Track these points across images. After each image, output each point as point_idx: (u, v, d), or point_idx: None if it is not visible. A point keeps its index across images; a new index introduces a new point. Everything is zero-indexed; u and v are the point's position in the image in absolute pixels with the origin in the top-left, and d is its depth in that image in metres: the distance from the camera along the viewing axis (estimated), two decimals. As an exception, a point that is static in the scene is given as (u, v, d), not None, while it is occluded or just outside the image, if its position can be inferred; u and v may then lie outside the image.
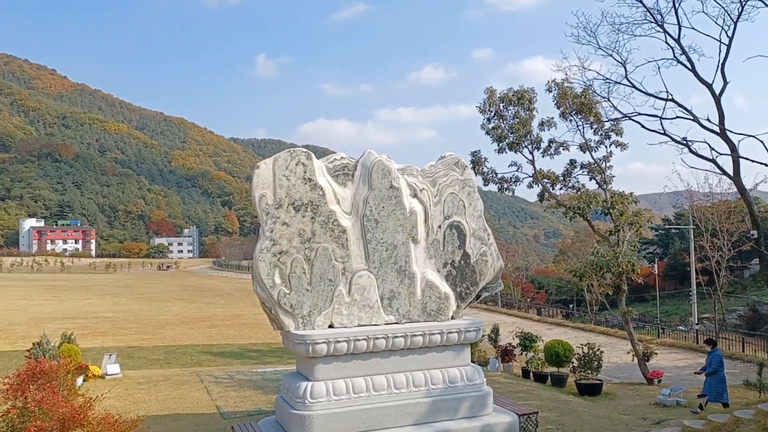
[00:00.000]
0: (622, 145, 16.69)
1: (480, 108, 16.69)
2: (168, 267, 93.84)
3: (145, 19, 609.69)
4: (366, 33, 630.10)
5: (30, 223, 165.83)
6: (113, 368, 13.67)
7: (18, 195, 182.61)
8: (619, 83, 12.88)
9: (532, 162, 16.68)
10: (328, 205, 8.19)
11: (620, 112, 13.68)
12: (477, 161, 16.79)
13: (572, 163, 17.24)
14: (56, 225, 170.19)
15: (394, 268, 8.37)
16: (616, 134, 16.49)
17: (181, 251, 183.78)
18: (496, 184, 17.23)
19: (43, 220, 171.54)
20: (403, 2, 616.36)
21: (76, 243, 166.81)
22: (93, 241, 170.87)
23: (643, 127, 12.55)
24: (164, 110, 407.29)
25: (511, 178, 17.11)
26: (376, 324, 8.13)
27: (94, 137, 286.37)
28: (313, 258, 8.03)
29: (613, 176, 17.03)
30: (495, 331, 19.18)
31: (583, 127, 16.45)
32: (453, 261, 8.74)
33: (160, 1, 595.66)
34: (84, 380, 12.54)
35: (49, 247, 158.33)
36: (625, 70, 12.63)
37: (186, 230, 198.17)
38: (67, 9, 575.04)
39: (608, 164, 16.87)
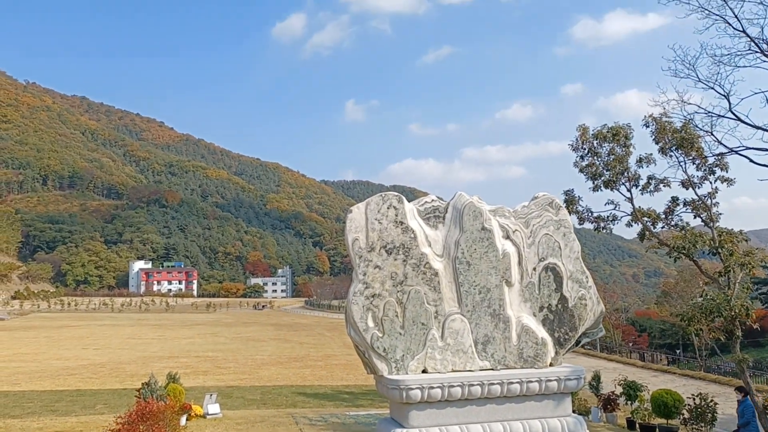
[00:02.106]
0: (729, 181, 15.64)
1: (572, 146, 16.29)
2: (263, 306, 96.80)
3: (243, 71, 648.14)
4: (452, 74, 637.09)
5: (139, 265, 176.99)
6: (214, 408, 14.10)
7: (129, 239, 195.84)
8: (723, 116, 12.21)
9: (631, 200, 15.97)
10: (420, 248, 8.16)
11: (725, 146, 12.93)
12: (571, 200, 16.30)
13: (674, 200, 16.34)
14: (162, 267, 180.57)
15: (487, 312, 8.18)
16: (721, 169, 15.48)
17: (275, 291, 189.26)
18: (592, 223, 16.60)
19: (150, 262, 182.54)
20: (488, 43, 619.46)
21: (179, 283, 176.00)
22: (195, 281, 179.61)
23: (751, 161, 11.78)
24: (260, 156, 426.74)
25: (608, 216, 16.45)
26: (471, 370, 7.93)
27: (197, 183, 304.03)
28: (406, 301, 7.99)
29: (720, 213, 15.94)
30: (596, 378, 18.17)
31: (685, 163, 15.61)
32: (550, 305, 8.44)
33: (258, 55, 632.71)
34: (187, 419, 13.01)
35: (155, 287, 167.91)
36: (729, 103, 11.97)
37: (280, 270, 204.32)
38: (174, 65, 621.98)
39: (714, 201, 15.85)
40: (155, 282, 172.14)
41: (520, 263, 8.41)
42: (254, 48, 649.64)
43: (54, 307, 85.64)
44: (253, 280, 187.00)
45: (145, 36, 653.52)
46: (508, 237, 8.46)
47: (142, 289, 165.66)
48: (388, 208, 8.26)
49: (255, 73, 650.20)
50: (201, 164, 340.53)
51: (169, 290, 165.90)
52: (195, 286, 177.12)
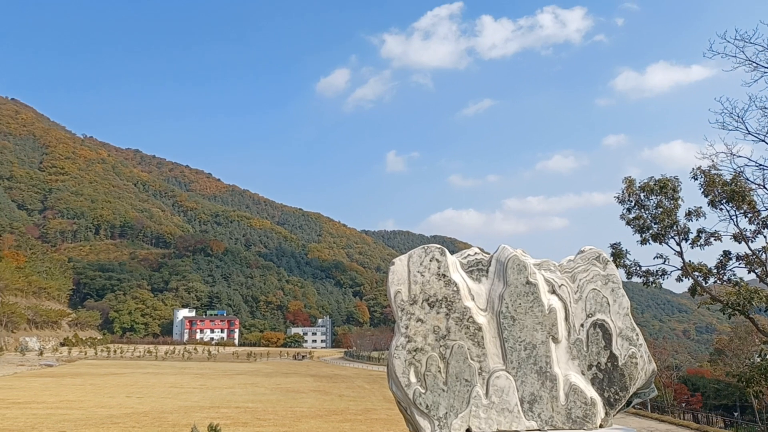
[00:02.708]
0: (785, 234, 15.15)
1: (619, 198, 16.08)
2: (303, 357, 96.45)
3: (288, 124, 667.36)
4: (493, 126, 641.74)
5: (183, 313, 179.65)
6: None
7: (174, 287, 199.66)
8: (776, 169, 11.90)
9: (680, 254, 15.58)
10: (463, 302, 8.07)
11: (779, 199, 12.53)
12: (618, 254, 15.99)
13: (726, 254, 15.86)
14: (205, 315, 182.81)
15: (533, 369, 7.96)
16: (776, 222, 15.02)
17: (315, 341, 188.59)
18: (640, 277, 16.20)
19: (194, 310, 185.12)
20: (529, 96, 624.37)
21: (222, 332, 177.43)
22: (237, 330, 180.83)
23: (808, 213, 11.36)
24: (303, 206, 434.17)
25: (657, 271, 16.04)
26: (517, 430, 7.68)
27: (242, 233, 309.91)
28: (449, 356, 7.86)
29: (777, 268, 15.38)
30: (648, 439, 17.34)
31: (737, 216, 15.23)
32: (599, 363, 8.17)
33: (302, 109, 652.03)
34: (226, 471, 12.91)
35: (198, 335, 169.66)
36: (782, 154, 11.68)
37: (320, 320, 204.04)
38: (223, 121, 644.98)
39: (769, 255, 15.30)
40: (198, 330, 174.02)
41: (566, 319, 8.21)
42: (299, 103, 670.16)
43: (100, 354, 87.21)
44: (294, 330, 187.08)
45: (196, 96, 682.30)
46: (554, 292, 8.31)
47: (186, 337, 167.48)
48: (430, 260, 8.23)
49: (299, 126, 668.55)
50: (245, 214, 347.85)
51: (212, 338, 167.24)
52: (237, 335, 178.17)
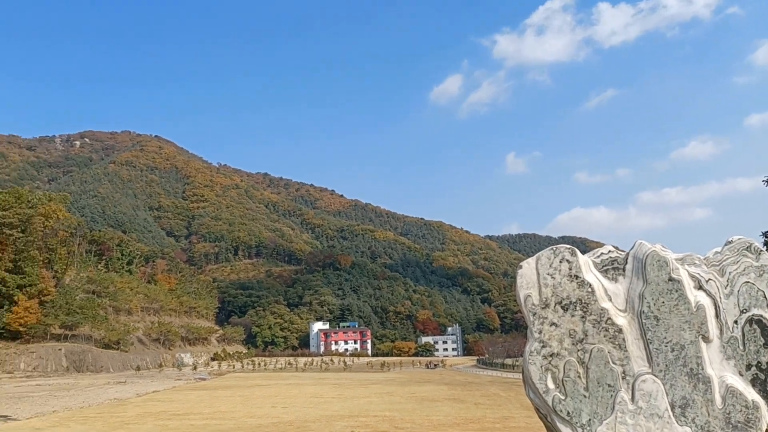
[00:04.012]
0: None
1: (768, 181, 14.62)
2: (435, 365, 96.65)
3: (404, 136, 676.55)
4: (618, 117, 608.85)
5: (318, 325, 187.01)
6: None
7: (308, 301, 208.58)
8: None
9: None
10: (599, 303, 7.71)
11: None
12: (772, 241, 14.49)
13: None
14: (339, 327, 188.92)
15: (683, 372, 7.42)
16: None
17: (446, 349, 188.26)
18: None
19: (328, 323, 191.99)
20: (656, 81, 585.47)
21: (355, 343, 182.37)
22: (369, 340, 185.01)
23: None
24: (424, 215, 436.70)
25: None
26: (669, 436, 7.18)
27: (367, 245, 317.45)
28: (588, 361, 7.53)
29: None
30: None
31: None
32: (758, 363, 7.45)
33: (417, 120, 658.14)
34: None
35: (333, 347, 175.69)
36: None
37: (449, 328, 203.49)
38: (342, 139, 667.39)
39: None
40: (333, 342, 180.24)
41: (717, 316, 7.58)
42: (414, 114, 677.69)
43: (246, 367, 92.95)
44: (424, 339, 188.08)
45: (314, 117, 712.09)
46: (700, 287, 7.71)
47: (322, 348, 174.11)
48: (560, 261, 7.96)
49: (415, 137, 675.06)
50: (369, 227, 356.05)
51: (346, 349, 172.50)
52: (369, 345, 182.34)
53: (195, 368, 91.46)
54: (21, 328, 76.95)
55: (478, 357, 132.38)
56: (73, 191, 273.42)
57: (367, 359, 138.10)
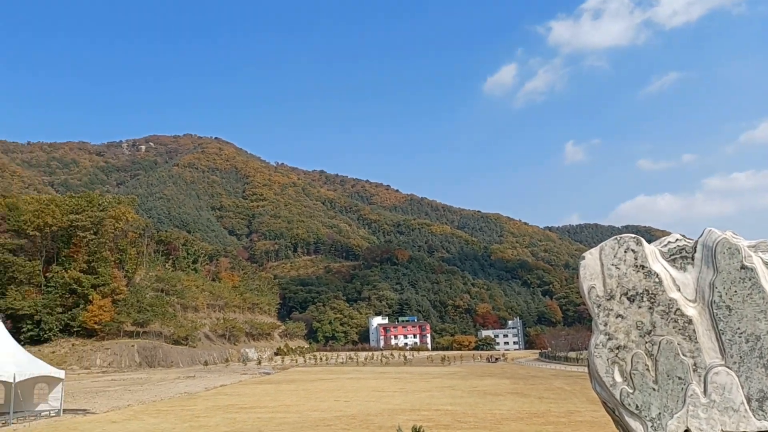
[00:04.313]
0: None
1: None
2: (496, 359, 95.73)
3: (458, 129, 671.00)
4: (682, 101, 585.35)
5: (377, 320, 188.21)
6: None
7: (367, 296, 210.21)
8: None
9: None
10: (667, 293, 7.47)
11: None
12: None
13: None
14: (398, 321, 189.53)
15: (759, 364, 7.11)
16: None
17: (507, 342, 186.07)
18: None
19: (387, 318, 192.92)
20: (722, 62, 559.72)
21: (414, 337, 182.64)
22: (428, 335, 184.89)
23: None
24: (481, 208, 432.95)
25: None
26: (746, 431, 6.90)
27: (423, 240, 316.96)
28: (656, 353, 7.31)
29: None
30: None
31: None
32: (842, 354, 7.05)
33: (471, 112, 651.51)
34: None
35: (393, 341, 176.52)
36: None
37: (510, 321, 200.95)
38: (395, 134, 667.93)
39: None
40: (392, 336, 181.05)
41: (795, 305, 7.20)
42: (468, 106, 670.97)
43: (308, 362, 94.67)
44: (484, 333, 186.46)
45: (368, 114, 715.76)
46: (776, 275, 7.34)
47: (381, 343, 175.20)
48: (625, 251, 7.74)
49: (470, 129, 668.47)
50: (425, 221, 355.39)
51: (405, 344, 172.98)
52: (429, 340, 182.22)
53: (259, 363, 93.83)
54: (96, 326, 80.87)
55: (540, 350, 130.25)
56: (140, 194, 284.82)
57: (427, 353, 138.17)
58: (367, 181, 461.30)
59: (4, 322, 30.74)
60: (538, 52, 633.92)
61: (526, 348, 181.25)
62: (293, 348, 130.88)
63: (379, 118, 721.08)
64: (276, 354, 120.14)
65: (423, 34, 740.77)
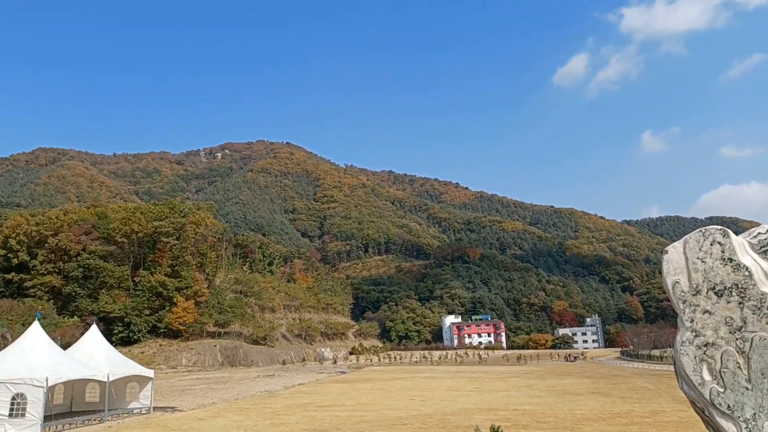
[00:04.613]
0: None
1: None
2: (575, 358, 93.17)
3: (528, 124, 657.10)
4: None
5: (450, 319, 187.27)
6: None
7: (439, 295, 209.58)
8: None
9: None
10: (759, 287, 7.08)
11: None
12: None
13: None
14: (471, 320, 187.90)
15: None
16: None
17: (586, 341, 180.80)
18: None
19: (459, 316, 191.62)
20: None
21: (488, 336, 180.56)
22: (503, 333, 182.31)
23: None
24: (554, 203, 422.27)
25: None
26: None
27: (495, 237, 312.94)
28: (749, 350, 6.96)
29: None
30: None
31: None
32: None
33: (541, 105, 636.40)
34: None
35: (466, 340, 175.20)
36: None
37: (588, 319, 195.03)
38: (461, 130, 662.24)
39: None
40: (466, 335, 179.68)
41: None
42: (537, 99, 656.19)
43: (383, 361, 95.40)
44: (561, 331, 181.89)
45: (434, 111, 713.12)
46: None
47: (455, 342, 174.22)
48: (711, 244, 7.39)
49: (540, 123, 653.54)
50: (496, 218, 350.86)
51: (480, 343, 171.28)
52: (503, 338, 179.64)
53: (335, 362, 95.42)
54: (181, 327, 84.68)
55: (621, 348, 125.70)
56: (217, 199, 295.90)
57: (502, 352, 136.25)
58: (435, 179, 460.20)
59: (98, 325, 32.69)
60: (610, 40, 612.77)
61: (605, 346, 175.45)
62: (367, 347, 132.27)
63: (447, 116, 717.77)
64: (351, 353, 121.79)
65: (489, 26, 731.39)
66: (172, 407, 31.38)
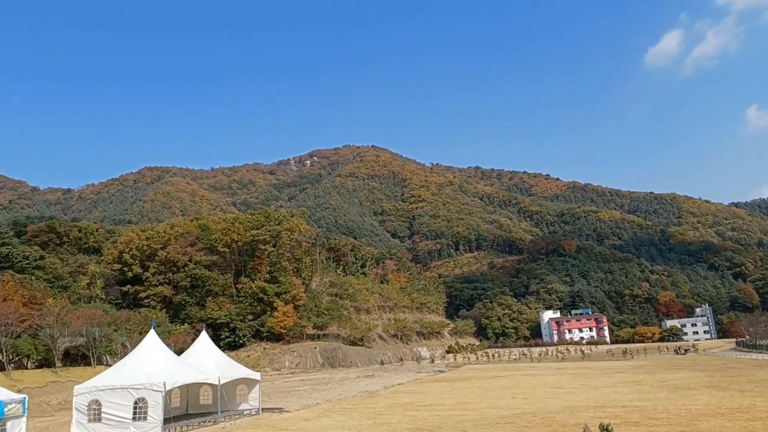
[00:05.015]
0: None
1: None
2: (686, 351, 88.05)
3: (619, 108, 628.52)
4: None
5: (548, 314, 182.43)
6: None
7: (535, 290, 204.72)
8: None
9: None
10: None
11: None
12: None
13: None
14: (570, 315, 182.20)
15: None
16: None
17: (696, 332, 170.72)
18: None
19: (558, 311, 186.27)
20: None
21: (590, 330, 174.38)
22: (605, 327, 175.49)
23: None
24: (653, 189, 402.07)
25: None
26: None
27: (591, 228, 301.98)
28: None
29: None
30: None
31: None
32: None
33: (633, 87, 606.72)
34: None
35: (567, 335, 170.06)
36: None
37: (698, 309, 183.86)
38: (543, 120, 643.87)
39: None
40: (566, 330, 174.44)
41: None
42: (629, 82, 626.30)
43: (481, 359, 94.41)
44: (669, 323, 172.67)
45: (520, 102, 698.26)
46: None
47: (555, 338, 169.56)
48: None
49: (633, 106, 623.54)
50: (591, 208, 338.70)
51: (581, 338, 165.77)
52: (606, 332, 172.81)
53: (432, 361, 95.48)
54: (282, 330, 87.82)
55: (736, 339, 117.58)
56: (309, 206, 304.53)
57: (606, 347, 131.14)
58: (524, 172, 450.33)
59: (206, 331, 34.50)
60: (705, 13, 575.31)
61: (718, 337, 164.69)
62: (464, 346, 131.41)
63: (532, 107, 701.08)
64: (447, 352, 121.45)
65: (573, 14, 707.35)
66: (279, 408, 32.60)
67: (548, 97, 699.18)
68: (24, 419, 18.13)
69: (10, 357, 46.82)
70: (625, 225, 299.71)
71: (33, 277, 70.95)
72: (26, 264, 76.65)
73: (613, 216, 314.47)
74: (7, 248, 77.41)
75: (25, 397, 18.39)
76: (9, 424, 17.49)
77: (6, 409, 17.22)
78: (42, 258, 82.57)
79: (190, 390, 31.27)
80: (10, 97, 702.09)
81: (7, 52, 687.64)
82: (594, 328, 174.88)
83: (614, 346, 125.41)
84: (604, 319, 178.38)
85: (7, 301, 52.11)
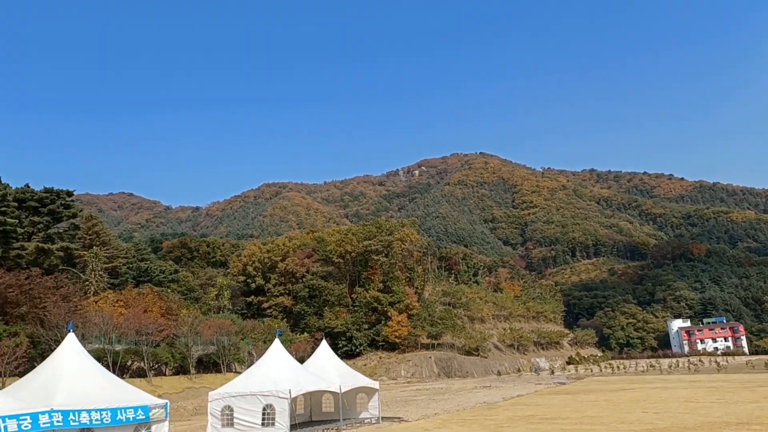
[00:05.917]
0: None
1: None
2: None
3: (745, 90, 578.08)
4: None
5: (677, 323, 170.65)
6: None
7: (661, 298, 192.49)
8: None
9: None
10: None
11: None
12: None
13: None
14: (702, 323, 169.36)
15: None
16: None
17: None
18: None
19: (688, 320, 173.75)
20: None
21: (725, 341, 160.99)
22: (743, 337, 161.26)
23: None
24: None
25: None
26: None
27: (722, 230, 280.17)
28: None
29: None
30: None
31: None
32: None
33: (761, 74, 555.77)
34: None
35: (699, 346, 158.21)
36: None
37: None
38: (668, 117, 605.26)
39: None
40: (698, 340, 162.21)
41: None
42: (756, 67, 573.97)
43: (605, 371, 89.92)
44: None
45: (638, 104, 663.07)
46: None
47: (685, 348, 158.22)
48: None
49: (765, 94, 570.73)
50: (722, 209, 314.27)
51: (715, 348, 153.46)
52: (744, 343, 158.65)
53: (552, 372, 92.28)
54: (396, 339, 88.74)
55: None
56: (418, 215, 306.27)
57: (744, 358, 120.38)
58: (644, 173, 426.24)
59: (325, 340, 35.58)
60: None
61: None
62: (585, 356, 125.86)
63: (650, 109, 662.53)
64: (568, 363, 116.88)
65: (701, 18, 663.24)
66: (399, 417, 32.89)
67: (672, 103, 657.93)
68: (166, 423, 19.55)
69: (151, 364, 50.82)
70: (761, 225, 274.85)
71: (169, 290, 76.78)
72: (163, 277, 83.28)
73: (746, 216, 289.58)
74: (146, 263, 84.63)
75: (167, 402, 19.86)
76: (154, 427, 18.90)
77: (151, 414, 18.63)
78: (176, 272, 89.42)
79: (313, 398, 32.38)
80: (149, 127, 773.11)
81: (154, 85, 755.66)
82: (730, 338, 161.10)
83: (754, 358, 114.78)
84: (741, 328, 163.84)
85: (147, 312, 56.72)
